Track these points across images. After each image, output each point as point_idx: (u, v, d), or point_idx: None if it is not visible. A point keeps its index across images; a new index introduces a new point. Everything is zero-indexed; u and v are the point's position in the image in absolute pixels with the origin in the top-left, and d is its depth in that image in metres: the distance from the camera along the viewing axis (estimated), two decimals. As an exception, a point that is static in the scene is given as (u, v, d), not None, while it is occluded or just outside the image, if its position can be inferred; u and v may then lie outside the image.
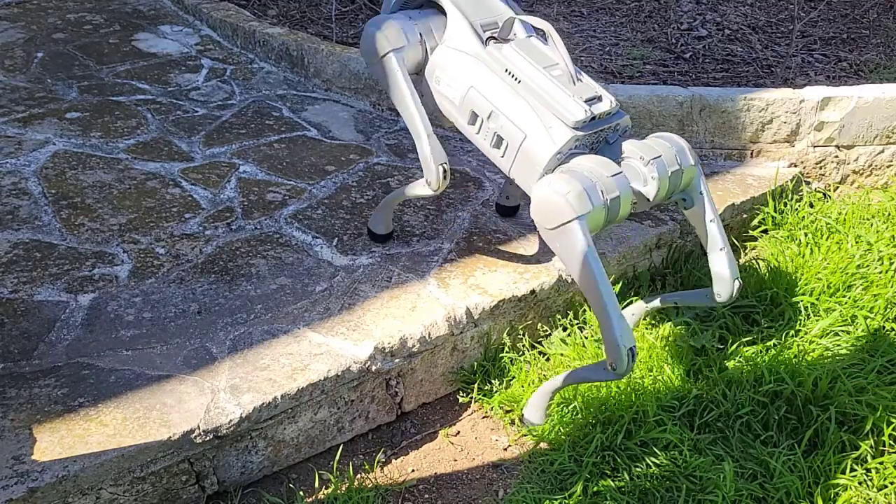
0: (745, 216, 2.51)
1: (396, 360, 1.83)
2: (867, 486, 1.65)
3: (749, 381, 1.83)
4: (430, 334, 1.86)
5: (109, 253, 2.09)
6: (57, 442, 1.50)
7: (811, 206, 2.53)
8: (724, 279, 1.79)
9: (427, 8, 1.94)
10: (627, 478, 1.66)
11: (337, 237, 2.20)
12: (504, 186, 2.28)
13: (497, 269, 2.07)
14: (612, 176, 1.64)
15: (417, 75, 1.92)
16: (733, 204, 2.44)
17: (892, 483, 1.65)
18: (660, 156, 1.69)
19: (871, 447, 1.71)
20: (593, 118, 1.68)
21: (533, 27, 1.86)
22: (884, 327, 2.02)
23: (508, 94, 1.74)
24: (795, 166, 2.70)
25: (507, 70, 1.75)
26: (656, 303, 1.98)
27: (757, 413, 1.79)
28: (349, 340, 1.80)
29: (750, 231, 2.52)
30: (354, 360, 1.75)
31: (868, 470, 1.68)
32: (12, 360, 1.71)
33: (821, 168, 2.72)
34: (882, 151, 2.68)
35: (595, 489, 1.64)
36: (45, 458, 1.46)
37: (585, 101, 1.67)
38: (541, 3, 3.93)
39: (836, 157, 2.70)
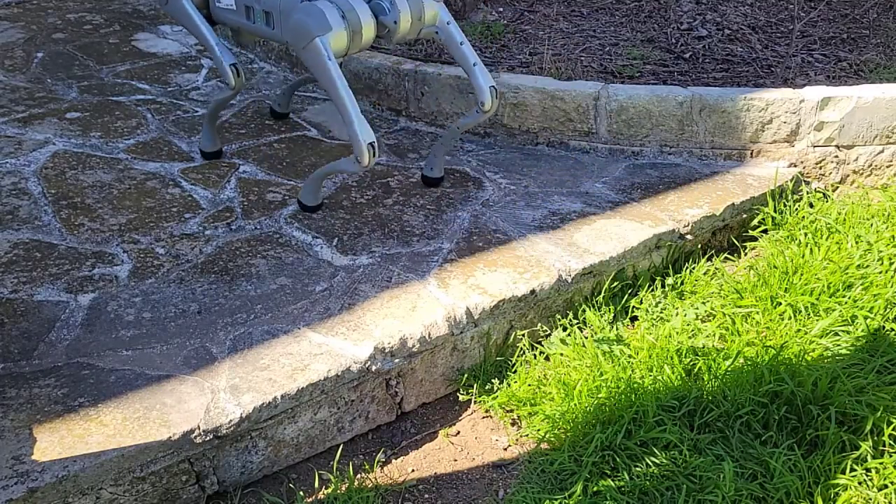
0: (745, 216, 2.51)
1: (396, 360, 1.83)
2: (867, 486, 1.65)
3: (749, 381, 1.83)
4: (430, 334, 1.86)
5: (109, 253, 2.09)
6: (57, 442, 1.50)
7: (811, 206, 2.53)
8: (482, 89, 2.18)
9: None
10: (627, 478, 1.66)
11: (337, 237, 2.20)
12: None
13: (497, 269, 2.07)
14: (353, 5, 2.03)
15: (209, 15, 2.35)
16: (733, 204, 2.44)
17: (892, 483, 1.64)
18: None
19: (871, 447, 1.71)
20: None
21: None
22: (884, 327, 2.02)
23: None
24: (795, 166, 2.70)
25: None
26: (445, 137, 2.38)
27: (757, 413, 1.79)
28: (349, 340, 1.80)
29: (750, 231, 2.52)
30: (354, 360, 1.75)
31: (868, 470, 1.68)
32: (12, 360, 1.71)
33: (821, 168, 2.72)
34: (882, 151, 2.68)
35: (595, 489, 1.64)
36: (45, 458, 1.46)
37: None
38: (541, 3, 3.93)
39: (836, 157, 2.70)
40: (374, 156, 2.03)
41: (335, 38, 1.99)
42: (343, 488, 1.67)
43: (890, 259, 2.21)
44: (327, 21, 1.97)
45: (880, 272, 2.17)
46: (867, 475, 1.67)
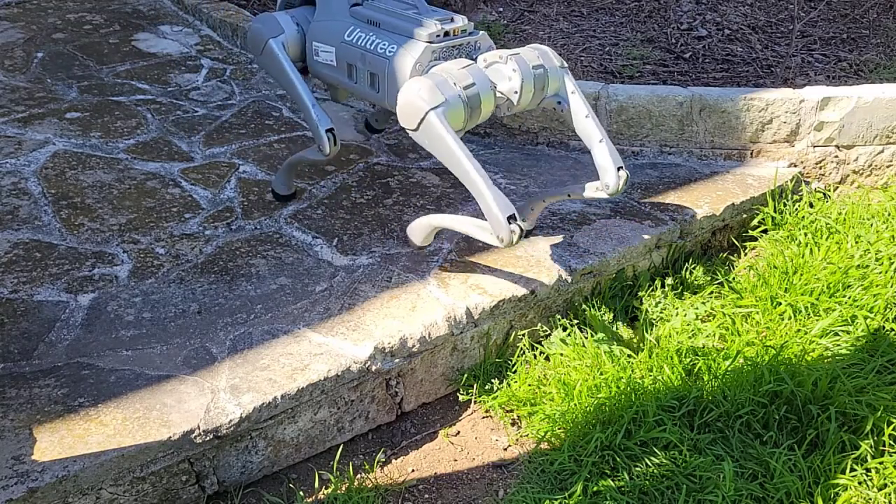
0: (744, 216, 2.51)
1: (396, 360, 1.83)
2: (867, 485, 1.65)
3: (749, 381, 1.83)
4: (430, 334, 1.86)
5: (109, 253, 2.09)
6: (57, 442, 1.50)
7: (811, 206, 2.53)
8: (607, 169, 1.90)
9: (305, 6, 2.22)
10: (627, 477, 1.66)
11: (337, 237, 2.20)
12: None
13: (497, 269, 2.07)
14: (464, 68, 1.80)
15: (305, 68, 2.20)
16: (733, 204, 2.44)
17: (892, 483, 1.64)
18: (517, 53, 1.84)
19: (871, 447, 1.71)
20: (447, 33, 1.87)
21: None
22: (884, 327, 2.02)
23: (372, 35, 1.96)
24: (795, 166, 2.70)
25: (368, 20, 2.00)
26: (551, 193, 2.13)
27: (757, 413, 1.79)
28: (349, 340, 1.80)
29: (750, 231, 2.52)
30: (354, 360, 1.75)
31: (868, 470, 1.68)
32: (12, 360, 1.71)
33: (820, 168, 2.72)
34: (882, 151, 2.68)
35: (595, 489, 1.64)
36: (45, 458, 1.46)
37: (438, 21, 1.87)
38: (541, 3, 3.93)
39: (836, 157, 2.70)
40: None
41: (452, 114, 1.76)
42: (343, 488, 1.67)
43: (890, 259, 2.21)
44: (440, 94, 1.74)
45: (880, 272, 2.17)
46: (867, 475, 1.67)
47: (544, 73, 1.86)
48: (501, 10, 3.87)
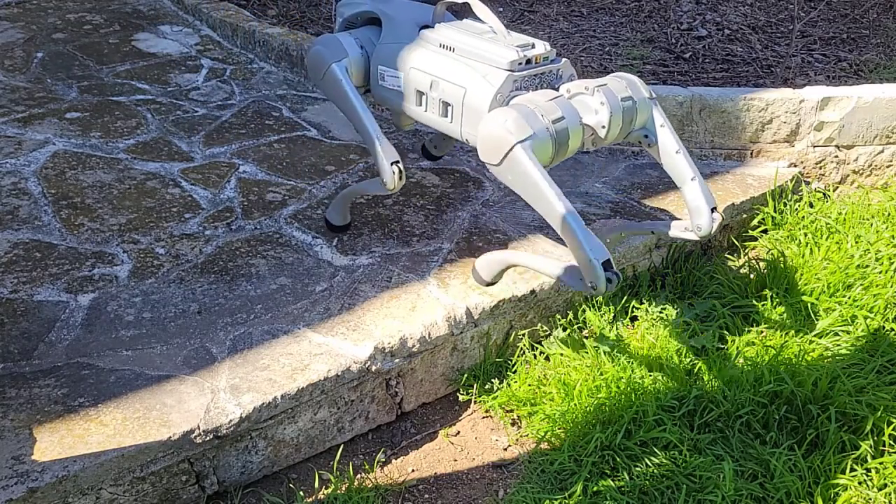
0: (744, 216, 2.51)
1: (396, 360, 1.83)
2: (867, 485, 1.65)
3: (749, 381, 1.83)
4: (430, 334, 1.86)
5: (109, 253, 2.09)
6: (57, 442, 1.50)
7: (811, 206, 2.53)
8: (700, 210, 1.75)
9: (368, 25, 2.05)
10: (627, 477, 1.66)
11: (337, 237, 2.20)
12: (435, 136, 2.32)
13: (497, 269, 2.07)
14: (551, 100, 1.66)
15: (368, 90, 2.02)
16: (733, 204, 2.44)
17: (892, 483, 1.65)
18: (604, 84, 1.70)
19: (871, 447, 1.71)
20: (528, 60, 1.73)
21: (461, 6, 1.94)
22: (884, 327, 2.02)
23: (445, 61, 1.80)
24: (795, 166, 2.70)
25: (440, 44, 1.83)
26: (633, 227, 1.96)
27: (757, 413, 1.79)
28: (349, 340, 1.80)
29: (750, 231, 2.52)
30: (354, 360, 1.75)
31: (868, 470, 1.68)
32: (12, 360, 1.71)
33: (820, 168, 2.72)
34: (882, 151, 2.68)
35: (595, 489, 1.64)
36: (45, 458, 1.46)
37: (518, 47, 1.72)
38: (541, 2, 3.93)
39: (836, 157, 2.70)
40: None
41: (539, 149, 1.61)
42: (343, 488, 1.67)
43: (890, 259, 2.21)
44: (527, 127, 1.59)
45: (880, 272, 2.17)
46: (867, 475, 1.67)
47: (633, 106, 1.71)
48: (501, 10, 3.87)
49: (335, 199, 2.16)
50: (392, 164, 1.88)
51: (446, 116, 1.82)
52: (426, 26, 1.91)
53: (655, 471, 1.67)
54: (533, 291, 2.01)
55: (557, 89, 1.75)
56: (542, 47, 1.75)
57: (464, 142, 1.82)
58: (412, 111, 1.91)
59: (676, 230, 1.84)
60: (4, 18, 3.82)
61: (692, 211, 1.77)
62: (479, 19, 1.86)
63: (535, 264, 1.78)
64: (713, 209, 1.74)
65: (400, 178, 1.89)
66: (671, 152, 1.77)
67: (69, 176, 2.44)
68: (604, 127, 1.67)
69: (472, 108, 1.74)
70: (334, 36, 1.99)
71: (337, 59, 1.94)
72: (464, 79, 1.75)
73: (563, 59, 1.79)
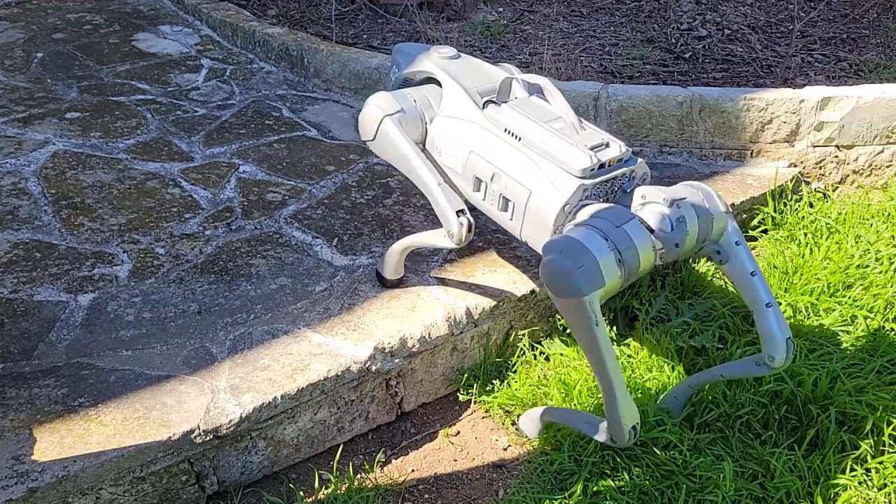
0: (744, 216, 2.52)
1: (396, 360, 1.83)
2: (867, 485, 1.65)
3: (749, 381, 1.83)
4: (430, 334, 1.86)
5: (109, 253, 2.09)
6: (57, 442, 1.50)
7: (811, 206, 2.53)
8: (775, 339, 1.56)
9: (424, 84, 1.91)
10: (627, 478, 1.66)
11: (337, 237, 2.20)
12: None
13: (497, 269, 2.07)
14: (623, 224, 1.46)
15: (424, 148, 1.87)
16: (733, 204, 2.44)
17: (892, 483, 1.65)
18: (684, 197, 1.54)
19: (871, 447, 1.71)
20: (601, 165, 1.59)
21: (530, 84, 1.79)
22: (884, 327, 2.02)
23: (509, 152, 1.66)
24: (795, 166, 2.70)
25: (506, 129, 1.69)
26: (702, 379, 1.78)
27: (757, 413, 1.79)
28: (349, 340, 1.80)
29: (750, 231, 2.52)
30: (354, 360, 1.75)
31: (868, 470, 1.68)
32: (12, 360, 1.71)
33: (820, 168, 2.72)
34: (882, 151, 2.68)
35: (595, 489, 1.64)
36: (45, 458, 1.46)
37: (591, 149, 1.58)
38: (541, 3, 3.93)
39: (836, 157, 2.70)
40: None
41: (608, 289, 1.43)
42: (343, 488, 1.67)
43: (890, 259, 2.21)
44: (601, 276, 1.40)
45: (880, 272, 2.17)
46: (867, 475, 1.67)
47: (709, 220, 1.54)
48: (501, 10, 3.87)
49: (389, 252, 1.93)
50: (457, 212, 1.67)
51: (506, 212, 1.68)
52: (490, 101, 1.76)
53: (655, 471, 1.67)
54: (533, 291, 2.02)
55: (629, 193, 1.60)
56: (616, 148, 1.61)
57: (521, 241, 1.69)
58: (469, 195, 1.77)
59: (748, 368, 1.66)
60: (4, 18, 3.82)
61: (765, 340, 1.58)
62: (544, 97, 1.74)
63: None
64: (788, 338, 1.57)
65: (469, 230, 1.67)
66: (746, 273, 1.59)
67: (69, 176, 2.44)
68: (677, 246, 1.51)
69: (536, 213, 1.60)
70: (387, 92, 1.85)
71: (390, 113, 1.80)
72: (530, 179, 1.60)
73: (639, 160, 1.64)
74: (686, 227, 1.51)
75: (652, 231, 1.50)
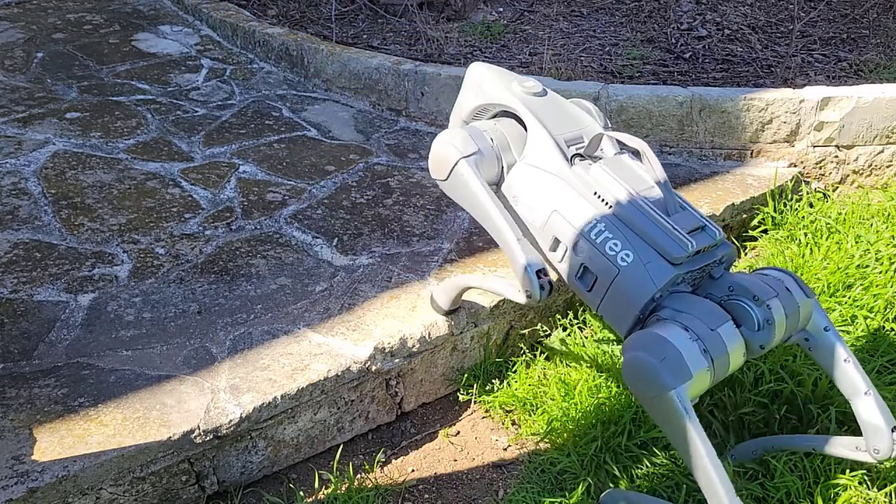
0: (744, 216, 2.51)
1: (396, 360, 1.83)
2: (867, 485, 1.65)
3: (749, 381, 1.83)
4: (430, 334, 1.86)
5: (109, 253, 2.09)
6: (57, 442, 1.50)
7: (811, 206, 2.53)
8: (878, 429, 1.46)
9: (503, 118, 1.74)
10: (627, 478, 1.66)
11: (337, 237, 2.20)
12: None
13: (497, 269, 2.07)
14: (717, 328, 1.39)
15: (498, 189, 1.72)
16: (733, 204, 2.44)
17: (892, 483, 1.65)
18: (776, 295, 1.44)
19: (871, 447, 1.71)
20: (697, 252, 1.46)
21: (621, 143, 1.66)
22: (884, 327, 2.02)
23: (600, 219, 1.52)
24: (795, 166, 2.70)
25: (595, 193, 1.54)
26: (792, 443, 1.70)
27: (757, 413, 1.79)
28: (349, 340, 1.80)
29: (750, 231, 2.52)
30: (354, 360, 1.75)
31: (868, 470, 1.68)
32: (12, 360, 1.71)
33: (820, 168, 2.72)
34: (882, 151, 2.68)
35: (595, 489, 1.64)
36: (45, 458, 1.46)
37: (689, 233, 1.46)
38: (541, 3, 3.93)
39: (836, 157, 2.70)
40: None
41: (695, 386, 1.34)
42: (343, 488, 1.67)
43: (890, 259, 2.21)
44: (687, 369, 1.32)
45: (880, 272, 2.17)
46: (867, 475, 1.67)
47: (796, 314, 1.45)
48: (501, 10, 3.88)
49: (450, 283, 1.83)
50: (538, 272, 1.51)
51: (584, 283, 1.54)
52: (577, 155, 1.62)
53: (655, 471, 1.67)
54: (533, 291, 2.01)
55: (716, 278, 1.51)
56: (713, 233, 1.49)
57: (594, 313, 1.57)
58: (545, 251, 1.62)
59: (845, 450, 1.54)
60: (4, 18, 3.82)
61: (868, 430, 1.47)
62: (635, 157, 1.63)
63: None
64: (893, 429, 1.46)
65: (549, 293, 1.52)
66: (839, 361, 1.49)
67: (69, 176, 2.44)
68: (762, 347, 1.43)
69: (622, 295, 1.47)
70: (460, 129, 1.68)
71: (466, 154, 1.62)
72: (620, 258, 1.48)
73: (730, 247, 1.53)
74: (774, 330, 1.42)
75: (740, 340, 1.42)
